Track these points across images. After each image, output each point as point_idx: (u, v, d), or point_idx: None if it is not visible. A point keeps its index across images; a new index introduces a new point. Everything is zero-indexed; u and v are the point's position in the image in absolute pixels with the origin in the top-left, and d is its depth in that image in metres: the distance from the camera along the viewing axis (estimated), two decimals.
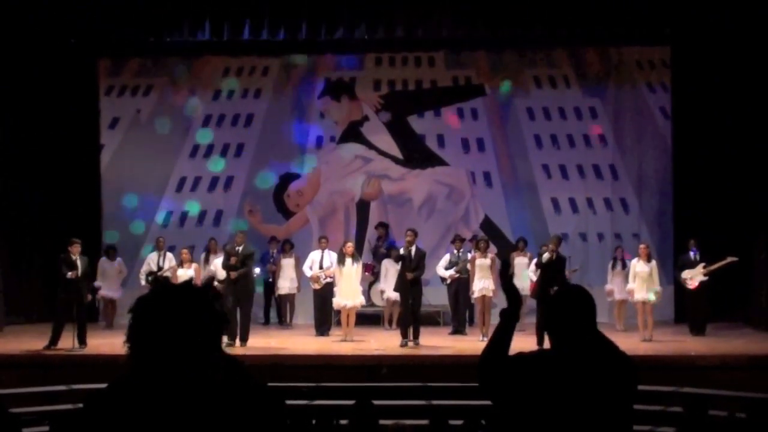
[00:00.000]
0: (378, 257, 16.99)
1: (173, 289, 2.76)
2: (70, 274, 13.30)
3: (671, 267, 16.66)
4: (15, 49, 16.58)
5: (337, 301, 14.71)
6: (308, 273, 15.51)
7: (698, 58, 16.97)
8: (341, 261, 14.62)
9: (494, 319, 16.74)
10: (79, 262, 13.50)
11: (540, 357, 3.62)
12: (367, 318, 16.51)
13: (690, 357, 12.55)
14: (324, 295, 15.36)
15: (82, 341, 13.31)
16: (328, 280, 15.29)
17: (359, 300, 14.76)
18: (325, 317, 15.58)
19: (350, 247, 14.75)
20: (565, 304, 3.63)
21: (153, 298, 2.69)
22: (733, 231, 16.18)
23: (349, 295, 14.55)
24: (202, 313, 2.65)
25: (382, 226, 17.63)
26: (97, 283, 16.08)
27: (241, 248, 14.19)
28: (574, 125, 18.18)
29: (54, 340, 13.19)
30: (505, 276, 3.95)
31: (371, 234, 17.91)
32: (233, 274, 14.03)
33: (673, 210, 17.63)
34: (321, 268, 15.39)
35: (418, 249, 14.26)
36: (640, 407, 10.44)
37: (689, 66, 17.24)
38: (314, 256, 15.59)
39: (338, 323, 15.74)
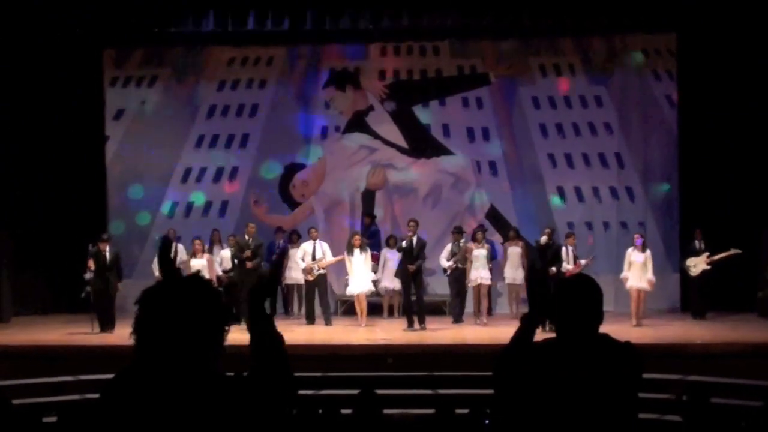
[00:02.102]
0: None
1: (180, 281, 2.76)
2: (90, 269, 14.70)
3: (677, 256, 16.73)
4: (20, 39, 16.58)
5: (350, 290, 15.43)
6: (301, 264, 15.72)
7: (704, 46, 16.89)
8: (350, 252, 15.23)
9: (501, 308, 16.88)
10: (108, 255, 14.62)
11: (546, 346, 3.59)
12: (369, 308, 16.65)
13: (696, 345, 12.54)
14: (316, 285, 15.64)
15: (105, 326, 14.31)
16: (321, 271, 15.58)
17: (368, 287, 15.29)
18: (324, 307, 15.74)
19: (358, 239, 15.33)
20: (573, 292, 3.61)
21: (160, 290, 2.68)
22: (740, 219, 16.18)
23: (360, 283, 15.18)
24: (208, 306, 2.65)
25: (368, 215, 17.65)
26: (87, 275, 16.14)
27: (251, 239, 15.09)
28: (580, 114, 18.13)
29: (103, 324, 14.33)
30: (531, 282, 3.91)
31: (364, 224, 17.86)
32: (249, 264, 14.93)
33: (679, 198, 17.59)
34: (313, 259, 15.60)
35: (419, 239, 14.89)
36: (646, 395, 10.45)
37: (695, 54, 17.17)
38: (306, 247, 15.80)
39: (344, 312, 16.77)
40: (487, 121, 18.31)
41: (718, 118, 16.59)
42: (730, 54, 16.45)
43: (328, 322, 15.49)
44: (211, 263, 15.40)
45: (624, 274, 15.16)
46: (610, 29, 17.70)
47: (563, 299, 3.59)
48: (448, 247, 15.79)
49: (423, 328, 14.53)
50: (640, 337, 13.14)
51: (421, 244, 14.90)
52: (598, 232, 17.90)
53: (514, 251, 16.04)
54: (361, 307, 15.32)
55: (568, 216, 17.78)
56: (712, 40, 16.65)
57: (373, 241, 16.82)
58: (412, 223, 15.03)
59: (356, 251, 15.18)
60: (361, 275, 15.18)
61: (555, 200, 18.03)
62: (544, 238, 14.69)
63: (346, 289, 15.75)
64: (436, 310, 16.42)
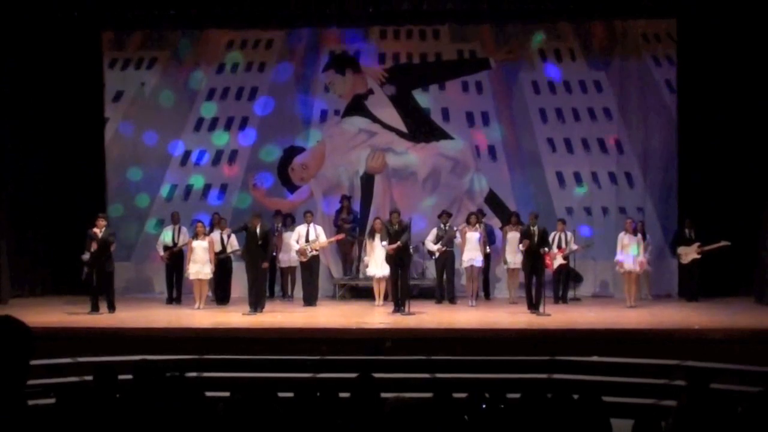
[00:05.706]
0: (344, 231, 17.17)
1: None
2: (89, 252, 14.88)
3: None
4: (19, 22, 16.53)
5: (370, 272, 16.00)
6: (295, 246, 16.05)
7: (704, 31, 16.86)
8: (371, 236, 15.85)
9: (500, 293, 16.90)
10: (100, 235, 14.77)
11: None
12: (363, 292, 16.96)
13: (694, 330, 12.55)
14: (310, 267, 15.99)
15: (97, 308, 14.63)
16: (314, 252, 15.93)
17: (388, 270, 15.44)
18: (313, 288, 16.08)
19: (378, 222, 15.69)
20: None
21: None
22: (738, 205, 16.21)
23: (380, 266, 15.60)
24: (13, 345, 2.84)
25: (345, 198, 17.69)
26: (84, 256, 16.17)
27: (258, 226, 15.00)
28: (579, 99, 18.08)
29: (95, 305, 14.65)
30: None
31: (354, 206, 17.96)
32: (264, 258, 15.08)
33: (678, 184, 17.58)
34: (307, 241, 15.91)
35: (401, 221, 14.98)
36: (644, 380, 10.46)
37: (695, 39, 17.13)
38: (300, 230, 16.15)
39: (342, 297, 16.92)
40: (487, 106, 18.27)
41: (718, 103, 16.58)
42: (730, 39, 16.43)
43: (313, 303, 15.84)
44: (212, 245, 15.60)
45: (616, 258, 15.59)
46: (610, 14, 17.65)
47: None
48: (434, 230, 16.10)
49: (402, 313, 14.29)
50: (636, 322, 13.19)
51: (404, 225, 14.85)
52: (596, 218, 17.89)
53: (515, 236, 16.01)
54: (380, 288, 15.90)
55: (566, 201, 17.79)
56: (713, 25, 16.62)
57: (352, 225, 17.00)
58: (395, 215, 15.13)
59: (377, 235, 15.59)
60: (381, 258, 15.42)
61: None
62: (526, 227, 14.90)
63: (366, 271, 16.26)
64: (433, 294, 16.47)
